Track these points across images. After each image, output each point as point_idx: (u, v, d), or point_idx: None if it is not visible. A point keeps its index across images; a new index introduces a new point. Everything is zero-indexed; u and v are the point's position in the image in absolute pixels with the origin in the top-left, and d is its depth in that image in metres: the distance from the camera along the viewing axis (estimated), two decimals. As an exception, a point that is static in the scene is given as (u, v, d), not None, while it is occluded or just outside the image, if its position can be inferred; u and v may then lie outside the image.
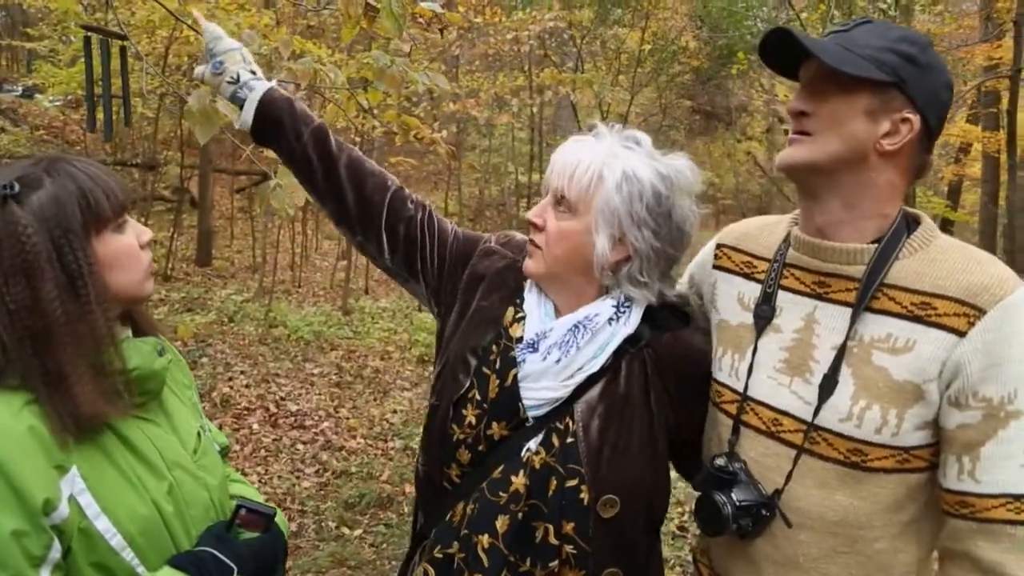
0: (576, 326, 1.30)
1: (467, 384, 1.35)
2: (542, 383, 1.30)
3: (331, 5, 2.43)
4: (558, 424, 1.29)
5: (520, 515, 1.25)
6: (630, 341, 1.33)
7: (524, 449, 1.29)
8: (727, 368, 1.36)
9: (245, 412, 5.88)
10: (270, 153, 2.68)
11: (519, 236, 1.52)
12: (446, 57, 10.76)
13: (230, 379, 6.64)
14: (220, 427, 5.44)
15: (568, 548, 1.26)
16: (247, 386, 6.47)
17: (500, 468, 1.29)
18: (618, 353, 1.33)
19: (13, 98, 22.02)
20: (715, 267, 1.47)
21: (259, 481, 4.70)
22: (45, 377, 1.06)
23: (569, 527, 1.25)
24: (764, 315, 1.32)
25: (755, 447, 1.29)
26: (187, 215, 15.36)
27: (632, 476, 1.28)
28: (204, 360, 7.15)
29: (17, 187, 1.07)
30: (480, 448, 1.31)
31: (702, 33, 13.81)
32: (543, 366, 1.30)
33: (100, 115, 3.09)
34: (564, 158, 1.30)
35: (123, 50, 2.84)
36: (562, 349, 1.29)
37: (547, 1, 10.71)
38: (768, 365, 1.30)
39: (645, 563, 1.37)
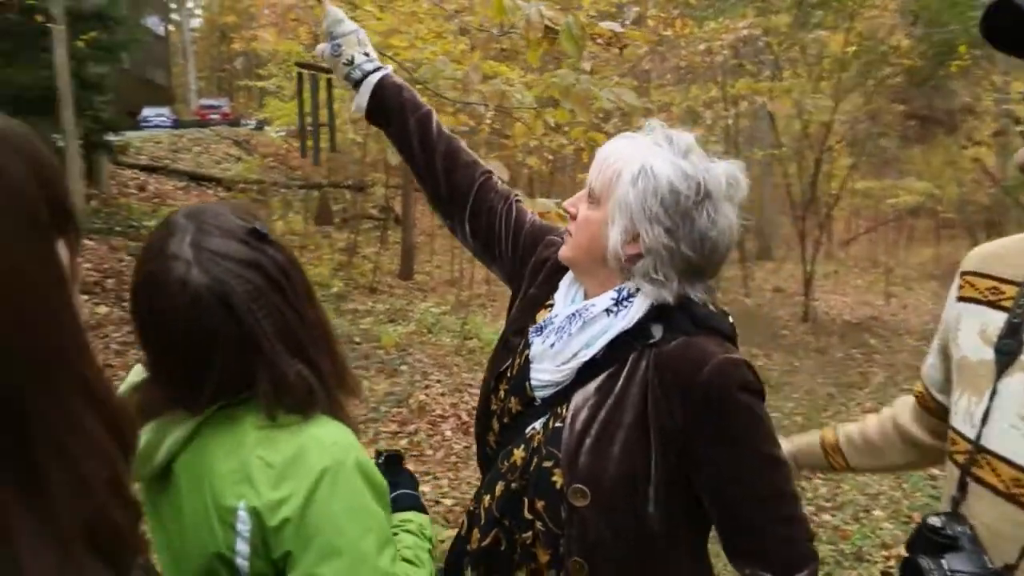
0: (573, 314, 1.33)
1: (508, 362, 1.45)
2: (543, 365, 1.35)
3: (515, 29, 2.51)
4: (558, 408, 1.33)
5: (513, 485, 1.34)
6: (638, 337, 1.29)
7: (530, 427, 1.36)
8: (962, 412, 1.19)
9: (439, 419, 6.18)
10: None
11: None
12: (637, 72, 10.73)
13: (427, 387, 7.02)
14: (415, 432, 5.76)
15: (539, 525, 1.31)
16: (442, 394, 6.81)
17: (512, 441, 1.38)
18: (625, 348, 1.30)
19: (248, 131, 24.92)
20: (959, 299, 1.29)
21: (448, 486, 4.91)
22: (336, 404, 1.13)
23: (540, 505, 1.31)
24: (1008, 350, 1.13)
25: (987, 510, 1.12)
26: (392, 232, 16.47)
27: (606, 472, 1.25)
28: (404, 368, 7.60)
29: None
30: (505, 420, 1.42)
31: (916, 30, 12.68)
32: (542, 349, 1.35)
33: (311, 143, 3.41)
34: (600, 151, 1.32)
35: (329, 83, 3.10)
36: (557, 334, 1.33)
37: (740, 8, 10.36)
38: (1010, 411, 1.11)
39: (621, 572, 1.31)
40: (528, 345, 1.40)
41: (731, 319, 1.36)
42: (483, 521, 1.38)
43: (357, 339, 8.66)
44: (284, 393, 1.05)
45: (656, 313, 1.30)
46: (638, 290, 1.30)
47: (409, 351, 8.23)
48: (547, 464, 1.30)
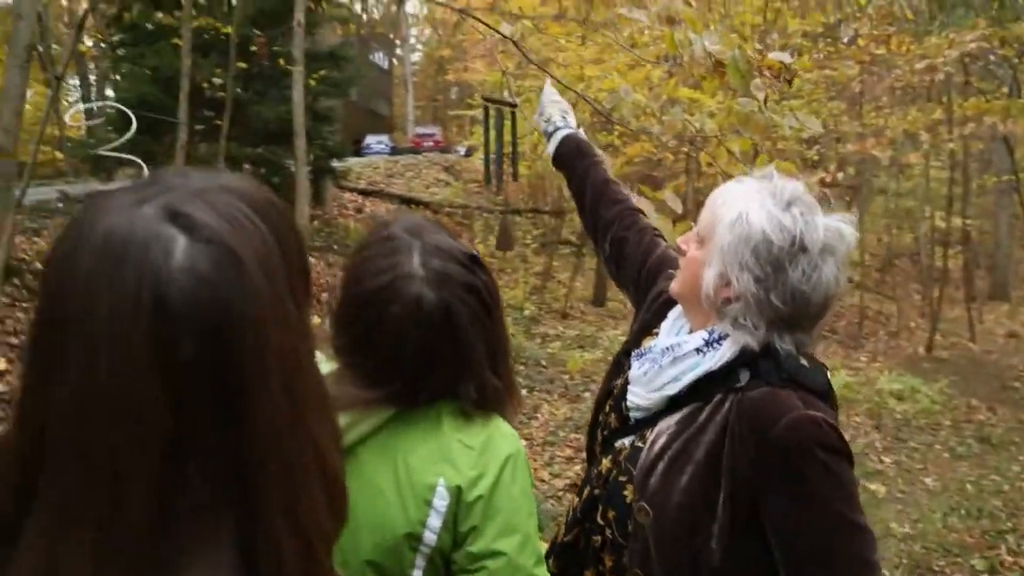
0: (667, 347, 1.38)
1: (616, 380, 1.55)
2: (637, 389, 1.43)
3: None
4: (645, 431, 1.40)
5: (595, 491, 1.45)
6: (725, 379, 1.31)
7: (620, 442, 1.46)
8: None
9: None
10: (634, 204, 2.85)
11: None
12: (847, 94, 10.11)
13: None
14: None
15: (608, 532, 1.40)
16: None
17: (605, 453, 1.49)
18: (712, 387, 1.33)
19: (457, 157, 26.37)
20: None
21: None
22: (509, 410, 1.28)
23: (611, 514, 1.40)
24: None
25: None
26: (588, 258, 16.61)
27: (671, 500, 1.30)
28: (587, 395, 7.66)
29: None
30: (605, 434, 1.53)
31: None
32: (638, 374, 1.43)
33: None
34: (713, 193, 1.38)
35: (513, 116, 3.26)
36: (651, 364, 1.40)
37: (969, 20, 9.41)
38: None
39: None
40: (630, 367, 1.50)
41: (828, 374, 1.33)
42: (569, 519, 1.52)
43: (544, 363, 8.84)
44: (483, 399, 1.20)
45: (745, 359, 1.30)
46: (727, 334, 1.32)
47: (594, 378, 8.27)
48: (622, 479, 1.40)
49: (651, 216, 2.35)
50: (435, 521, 1.12)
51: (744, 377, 1.30)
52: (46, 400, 0.57)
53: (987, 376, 10.24)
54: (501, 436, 1.19)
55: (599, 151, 2.02)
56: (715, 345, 1.32)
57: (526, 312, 12.01)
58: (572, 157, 1.98)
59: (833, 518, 1.21)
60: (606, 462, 1.46)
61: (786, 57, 2.42)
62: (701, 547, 1.26)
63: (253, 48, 10.23)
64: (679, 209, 2.95)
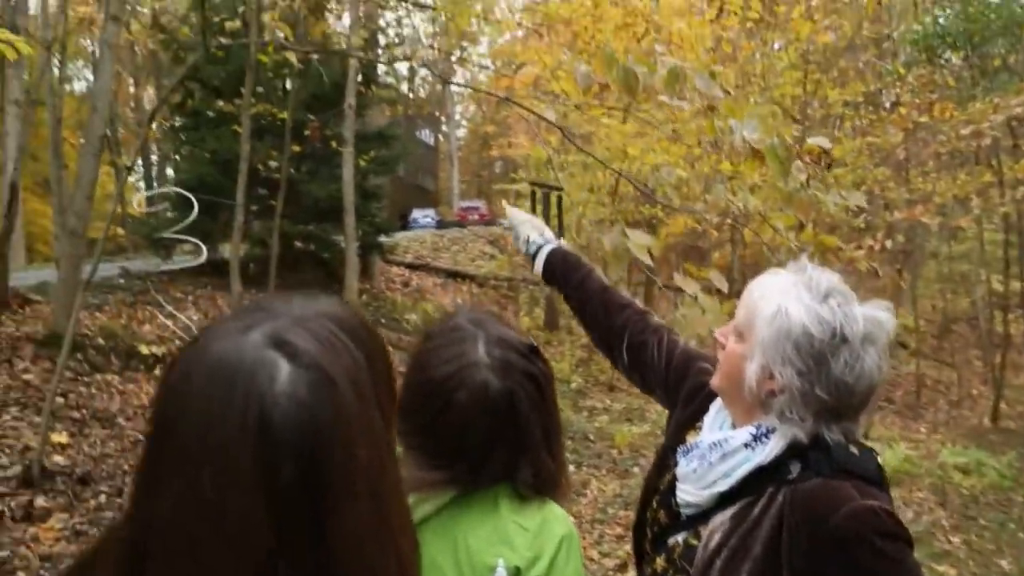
0: (715, 443, 1.37)
1: (661, 477, 1.55)
2: (686, 487, 1.42)
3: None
4: (699, 527, 1.39)
5: None
6: (776, 473, 1.31)
7: (672, 539, 1.44)
8: None
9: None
10: (679, 283, 2.88)
11: None
12: (892, 160, 10.07)
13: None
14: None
15: None
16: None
17: (658, 551, 1.47)
18: (764, 481, 1.32)
19: (502, 230, 26.76)
20: None
21: None
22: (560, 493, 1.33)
23: None
24: None
25: None
26: (633, 328, 16.49)
27: None
28: (635, 470, 7.52)
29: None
30: (655, 530, 1.50)
31: None
32: (685, 472, 1.42)
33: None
34: (749, 286, 1.39)
35: (559, 199, 3.35)
36: (699, 461, 1.39)
37: (1014, 84, 9.36)
38: None
39: None
40: (676, 464, 1.48)
41: (878, 459, 1.32)
42: None
43: (591, 437, 8.73)
44: (540, 482, 1.24)
45: (795, 451, 1.30)
46: (775, 428, 1.32)
47: (643, 452, 8.13)
48: None
49: (698, 296, 2.38)
50: None
51: (795, 469, 1.29)
52: (153, 506, 0.62)
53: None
54: (555, 518, 1.23)
55: (585, 259, 2.03)
56: (763, 439, 1.32)
57: (573, 385, 11.93)
58: (562, 272, 1.98)
59: None
60: (660, 561, 1.45)
61: (824, 142, 2.46)
62: None
63: (306, 131, 10.67)
64: (724, 287, 2.96)
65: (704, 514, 1.39)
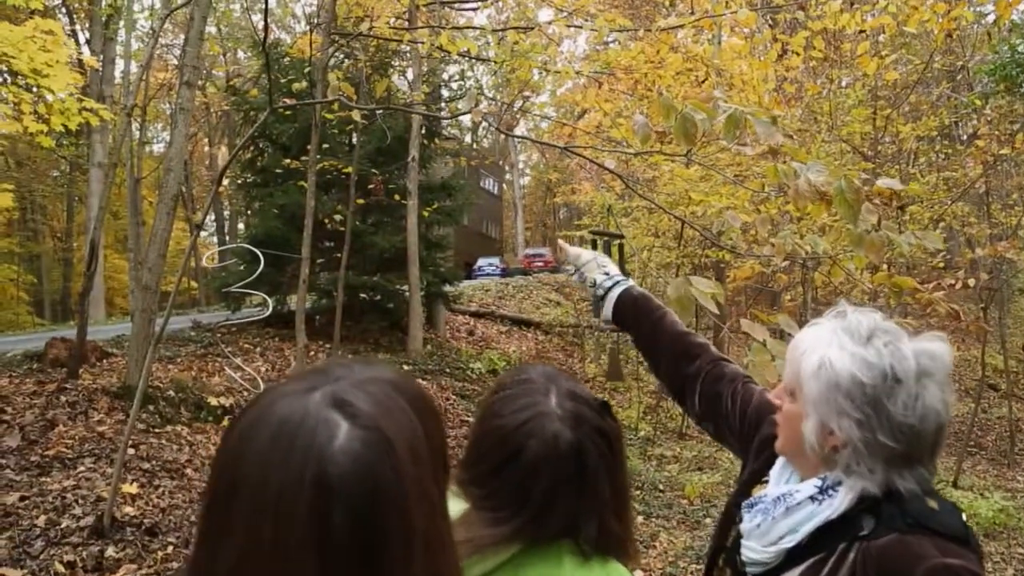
0: (779, 497, 1.31)
1: (728, 532, 1.47)
2: (751, 543, 1.35)
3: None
4: None
5: None
6: (847, 528, 1.22)
7: None
8: None
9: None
10: (746, 329, 2.75)
11: None
12: (972, 196, 9.65)
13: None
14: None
15: None
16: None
17: None
18: (834, 537, 1.23)
19: (567, 277, 26.75)
20: None
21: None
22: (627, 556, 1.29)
23: None
24: None
25: None
26: (702, 374, 16.10)
27: None
28: (708, 520, 7.23)
29: None
30: None
31: None
32: (749, 528, 1.35)
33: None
34: (792, 342, 1.32)
35: (621, 248, 3.29)
36: (763, 516, 1.32)
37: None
38: None
39: None
40: (741, 519, 1.42)
41: (963, 516, 1.21)
42: None
43: (661, 487, 8.46)
44: (604, 542, 1.21)
45: (866, 504, 1.22)
46: (841, 480, 1.25)
47: (714, 503, 7.82)
48: None
49: (766, 342, 2.26)
50: None
51: (868, 525, 1.21)
52: (216, 555, 0.65)
53: None
54: None
55: (656, 300, 1.90)
56: (830, 492, 1.25)
57: (641, 433, 11.64)
58: (633, 317, 1.88)
59: None
60: None
61: (896, 184, 2.33)
62: None
63: (370, 185, 10.91)
64: (796, 332, 2.82)
65: (770, 573, 1.32)
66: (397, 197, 12.10)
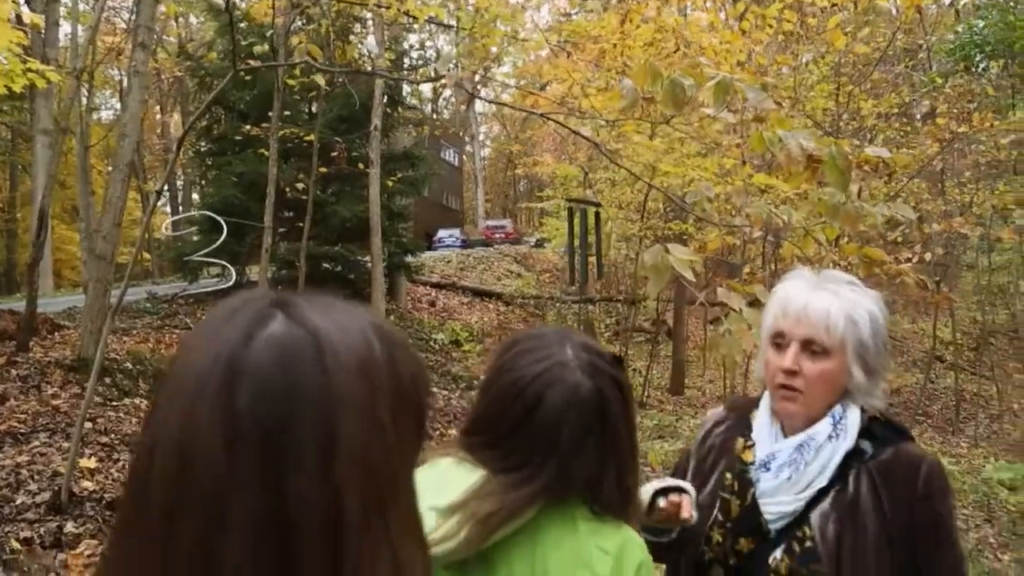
0: (801, 446, 1.44)
1: (714, 512, 1.52)
2: (778, 498, 1.45)
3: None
4: (797, 533, 1.42)
5: None
6: (854, 456, 1.43)
7: (771, 558, 1.43)
8: None
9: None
10: (723, 298, 2.76)
11: (718, 410, 1.76)
12: (928, 172, 9.84)
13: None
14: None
15: None
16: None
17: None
18: (844, 467, 1.42)
19: (528, 248, 26.74)
20: None
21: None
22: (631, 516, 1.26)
23: None
24: None
25: None
26: (663, 346, 16.32)
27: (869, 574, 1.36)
28: (670, 489, 7.32)
29: None
30: (731, 562, 1.47)
31: None
32: (776, 483, 1.45)
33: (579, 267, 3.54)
34: (811, 309, 1.43)
35: (597, 215, 3.25)
36: (791, 467, 1.44)
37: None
38: None
39: None
40: (751, 484, 1.50)
41: None
42: None
43: (623, 455, 8.55)
44: (623, 498, 1.20)
45: (863, 431, 1.44)
46: (846, 407, 1.44)
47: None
48: None
49: (743, 311, 2.26)
50: None
51: (868, 448, 1.44)
52: (150, 439, 0.59)
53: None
54: (633, 543, 1.18)
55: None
56: (840, 425, 1.43)
57: (602, 403, 11.74)
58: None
59: (958, 555, 1.42)
60: None
61: (884, 152, 2.34)
62: None
63: (333, 153, 10.71)
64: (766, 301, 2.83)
65: (796, 520, 1.43)
66: (360, 166, 11.91)
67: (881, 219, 2.93)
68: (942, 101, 8.54)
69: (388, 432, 0.61)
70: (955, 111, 8.17)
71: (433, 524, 1.14)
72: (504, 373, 1.22)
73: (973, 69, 9.45)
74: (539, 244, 26.22)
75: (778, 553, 1.42)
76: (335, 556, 0.57)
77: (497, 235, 30.50)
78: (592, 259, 3.27)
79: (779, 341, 1.48)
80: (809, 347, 1.43)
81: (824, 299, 1.44)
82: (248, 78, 10.98)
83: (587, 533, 1.16)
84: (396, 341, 0.67)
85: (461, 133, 43.10)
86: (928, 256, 7.40)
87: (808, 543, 1.40)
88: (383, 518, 0.60)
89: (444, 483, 1.20)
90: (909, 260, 7.32)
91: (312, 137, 9.13)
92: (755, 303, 2.91)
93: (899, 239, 8.73)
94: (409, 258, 14.68)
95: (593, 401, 1.17)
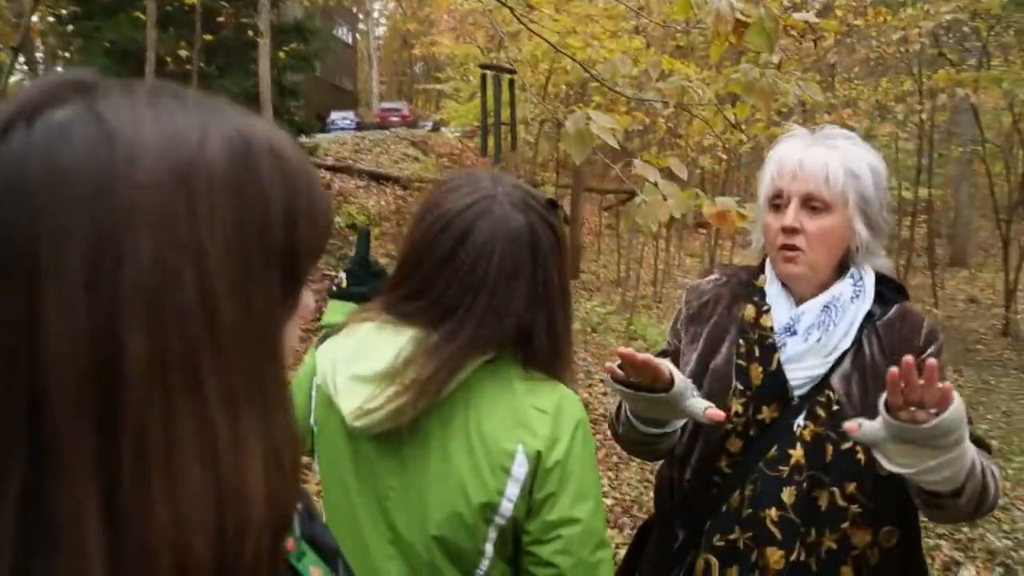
0: (827, 307, 1.42)
1: (732, 381, 1.46)
2: (806, 362, 1.41)
3: (700, 24, 2.44)
4: (819, 398, 1.39)
5: (804, 484, 1.37)
6: (866, 317, 1.43)
7: (795, 424, 1.40)
8: None
9: (601, 418, 6.14)
10: (639, 171, 2.79)
11: (709, 278, 1.68)
12: (821, 65, 10.12)
13: (590, 386, 7.02)
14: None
15: (854, 508, 1.35)
16: (604, 394, 6.77)
17: (775, 447, 1.40)
18: (859, 330, 1.42)
19: (425, 132, 26.10)
20: None
21: (608, 486, 4.87)
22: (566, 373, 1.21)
23: (851, 487, 1.35)
24: None
25: None
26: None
27: None
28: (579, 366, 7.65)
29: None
30: (751, 433, 1.42)
31: None
32: (805, 347, 1.41)
33: (491, 141, 3.49)
34: (808, 163, 1.39)
35: (512, 83, 3.16)
36: (820, 329, 1.41)
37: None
38: None
39: (915, 532, 1.43)
40: (775, 349, 1.43)
41: None
42: (779, 536, 1.37)
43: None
44: (556, 351, 1.16)
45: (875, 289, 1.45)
46: (862, 268, 1.46)
47: (574, 350, 8.24)
48: (846, 446, 1.35)
49: (681, 173, 2.30)
50: (512, 490, 1.08)
51: (877, 310, 1.43)
52: None
53: (951, 340, 10.44)
54: (570, 401, 1.16)
55: None
56: (859, 284, 1.43)
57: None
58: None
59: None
60: (796, 452, 1.38)
61: (811, 17, 2.37)
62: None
63: (219, 18, 9.93)
64: (684, 175, 2.91)
65: (818, 385, 1.41)
66: (251, 33, 11.10)
67: (794, 97, 3.01)
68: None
69: (212, 269, 0.48)
70: (853, 4, 8.36)
71: (359, 394, 1.09)
72: (431, 209, 1.15)
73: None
74: (436, 127, 25.61)
75: (801, 420, 1.40)
76: (101, 422, 0.44)
77: (393, 118, 29.46)
78: (506, 130, 3.20)
79: (777, 202, 1.43)
80: (809, 203, 1.39)
81: (821, 153, 1.40)
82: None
83: (523, 393, 1.13)
84: (282, 167, 0.53)
85: (355, 9, 40.76)
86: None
87: (835, 407, 1.37)
88: (193, 380, 0.47)
89: (366, 349, 1.14)
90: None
91: (193, 0, 8.40)
92: (670, 175, 2.98)
93: (789, 130, 9.03)
94: (303, 139, 14.03)
95: (524, 235, 1.12)
